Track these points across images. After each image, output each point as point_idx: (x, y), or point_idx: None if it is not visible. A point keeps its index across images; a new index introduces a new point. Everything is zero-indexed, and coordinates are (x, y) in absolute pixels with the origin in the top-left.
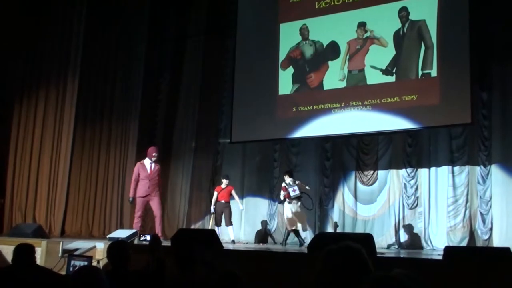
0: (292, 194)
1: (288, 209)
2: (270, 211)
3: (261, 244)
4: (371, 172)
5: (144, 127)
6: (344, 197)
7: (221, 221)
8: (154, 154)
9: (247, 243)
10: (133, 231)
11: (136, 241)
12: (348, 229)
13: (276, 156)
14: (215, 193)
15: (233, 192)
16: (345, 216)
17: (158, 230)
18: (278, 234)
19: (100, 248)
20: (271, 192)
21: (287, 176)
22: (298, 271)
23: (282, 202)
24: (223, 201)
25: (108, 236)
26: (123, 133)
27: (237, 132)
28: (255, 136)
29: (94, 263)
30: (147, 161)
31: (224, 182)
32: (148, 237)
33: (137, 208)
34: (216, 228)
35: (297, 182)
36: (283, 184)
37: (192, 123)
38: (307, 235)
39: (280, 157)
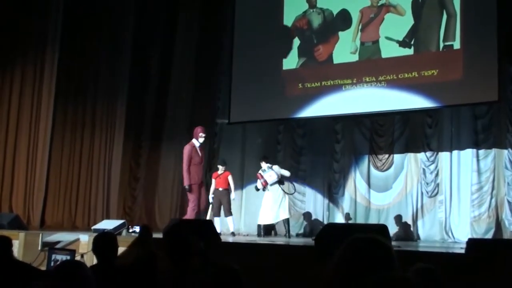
0: (269, 181)
1: (269, 199)
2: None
3: (263, 236)
4: (386, 156)
5: (133, 106)
6: (355, 184)
7: (219, 211)
8: (201, 134)
9: (247, 235)
10: (120, 221)
11: (124, 233)
12: (360, 220)
13: (280, 138)
14: (213, 181)
15: (229, 178)
16: (357, 205)
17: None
18: (282, 225)
19: (84, 240)
20: None
21: (263, 162)
22: (305, 266)
23: (262, 190)
24: (220, 189)
25: (93, 227)
26: (109, 113)
27: (236, 111)
28: (256, 115)
29: (78, 258)
30: (196, 143)
31: (221, 168)
32: (137, 229)
33: (193, 197)
34: (215, 219)
35: (273, 167)
36: (259, 172)
37: (186, 102)
38: (302, 225)
39: (285, 139)
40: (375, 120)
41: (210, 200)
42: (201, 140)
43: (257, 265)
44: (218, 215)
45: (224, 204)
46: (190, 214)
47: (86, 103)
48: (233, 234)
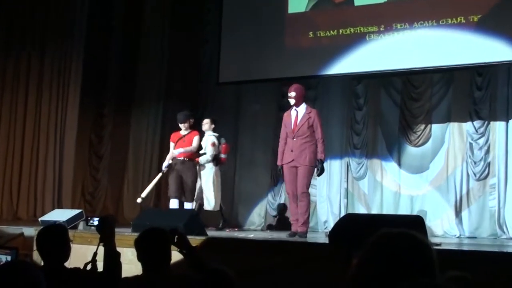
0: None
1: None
2: (274, 183)
3: (261, 230)
4: (422, 126)
5: (92, 61)
6: (382, 163)
7: (179, 191)
8: (292, 93)
9: (239, 229)
10: (77, 211)
11: (81, 226)
12: (387, 209)
13: (284, 104)
14: (171, 146)
15: (195, 139)
16: (383, 190)
17: (297, 224)
18: (285, 217)
19: (29, 235)
20: (275, 156)
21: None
22: (316, 268)
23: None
24: (182, 158)
25: (40, 219)
26: (60, 69)
27: (228, 68)
28: (253, 74)
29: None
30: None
31: (184, 126)
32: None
33: (286, 186)
34: (171, 202)
35: (221, 139)
36: (213, 140)
37: (162, 56)
38: (313, 216)
39: (290, 105)
40: (408, 80)
41: (163, 169)
42: (293, 101)
43: (255, 268)
44: (175, 196)
45: (186, 184)
46: (292, 210)
47: (30, 56)
48: (223, 226)
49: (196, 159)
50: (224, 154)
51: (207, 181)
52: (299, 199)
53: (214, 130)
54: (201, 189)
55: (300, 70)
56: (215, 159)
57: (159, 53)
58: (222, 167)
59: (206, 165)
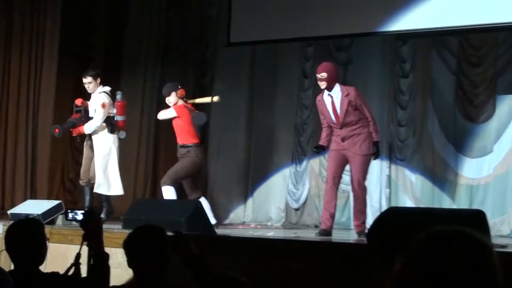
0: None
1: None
2: (296, 169)
3: (282, 227)
4: (484, 98)
5: (72, 15)
6: (434, 144)
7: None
8: (323, 74)
9: (257, 225)
10: (54, 203)
11: (60, 221)
12: (440, 202)
13: (308, 68)
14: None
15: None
16: (434, 177)
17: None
18: (310, 209)
19: None
20: (298, 134)
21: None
22: (350, 273)
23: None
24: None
25: (9, 211)
26: (33, 23)
27: (241, 24)
28: (271, 32)
29: None
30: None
31: (168, 100)
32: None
33: (328, 172)
34: (165, 189)
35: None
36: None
37: (158, 11)
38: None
39: (316, 69)
40: (466, 40)
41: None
42: (322, 83)
43: (276, 274)
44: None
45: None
46: (326, 206)
47: None
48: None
49: (78, 128)
50: (121, 115)
51: (103, 155)
52: (356, 195)
53: (104, 86)
54: (89, 166)
55: (328, 27)
56: (110, 124)
57: (155, 6)
58: (121, 133)
59: (99, 133)
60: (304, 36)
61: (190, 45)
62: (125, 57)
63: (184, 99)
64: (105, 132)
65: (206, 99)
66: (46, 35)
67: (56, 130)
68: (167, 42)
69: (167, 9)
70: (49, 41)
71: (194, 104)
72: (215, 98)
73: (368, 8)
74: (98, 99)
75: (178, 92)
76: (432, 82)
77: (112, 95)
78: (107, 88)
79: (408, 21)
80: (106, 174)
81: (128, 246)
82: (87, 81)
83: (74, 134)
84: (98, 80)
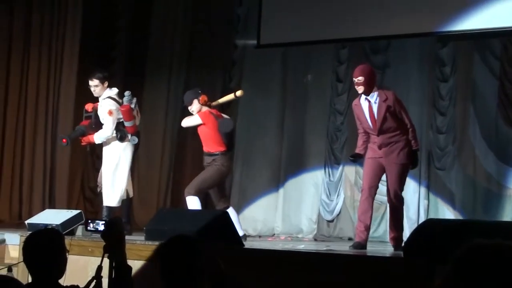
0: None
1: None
2: (329, 178)
3: (314, 240)
4: None
5: (95, 14)
6: (475, 152)
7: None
8: (360, 77)
9: (288, 238)
10: (74, 212)
11: (80, 231)
12: (483, 214)
13: (342, 71)
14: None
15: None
16: (476, 187)
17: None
18: (344, 220)
19: (13, 243)
20: (331, 142)
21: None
22: None
23: None
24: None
25: (27, 221)
26: (53, 26)
27: (271, 25)
28: (303, 33)
29: (3, 272)
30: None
31: (191, 109)
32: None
33: (363, 181)
34: (190, 199)
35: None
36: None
37: (183, 10)
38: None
39: (351, 72)
40: (510, 42)
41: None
42: (361, 88)
43: None
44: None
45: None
46: (361, 217)
47: (12, 15)
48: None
49: (87, 137)
50: (128, 121)
51: (111, 165)
52: (392, 206)
53: (111, 89)
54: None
55: (365, 29)
56: (118, 131)
57: (180, 6)
58: (133, 139)
59: (109, 141)
60: (338, 37)
61: (217, 47)
62: (149, 59)
63: (208, 103)
64: (114, 140)
65: (229, 97)
66: (66, 37)
67: (64, 140)
68: (192, 44)
69: (192, 9)
70: (69, 43)
71: (218, 106)
72: (238, 93)
73: (406, 8)
74: (104, 106)
75: (200, 98)
76: (474, 87)
77: (121, 97)
78: (114, 91)
79: (448, 22)
80: (113, 185)
81: (164, 255)
82: (93, 83)
83: (83, 144)
84: (106, 84)
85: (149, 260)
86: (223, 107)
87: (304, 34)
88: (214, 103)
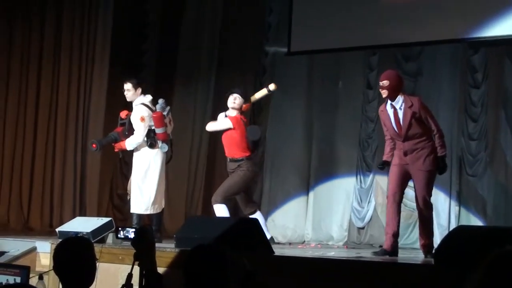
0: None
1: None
2: (361, 186)
3: (342, 246)
4: None
5: (125, 23)
6: (507, 159)
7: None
8: (384, 82)
9: (318, 245)
10: (105, 220)
11: (111, 239)
12: None
13: (372, 78)
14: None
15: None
16: (508, 194)
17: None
18: (375, 228)
19: (44, 251)
20: (363, 149)
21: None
22: None
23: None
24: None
25: (58, 229)
26: (83, 35)
27: (302, 32)
28: (334, 41)
29: (35, 280)
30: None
31: (161, 103)
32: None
33: (389, 187)
34: (217, 207)
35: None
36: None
37: (215, 18)
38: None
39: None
40: None
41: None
42: (385, 92)
43: None
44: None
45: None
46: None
47: (44, 20)
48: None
49: (120, 143)
50: (159, 127)
51: (141, 172)
52: (421, 213)
53: (145, 95)
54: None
55: (396, 35)
56: (148, 138)
57: (210, 13)
58: (163, 146)
59: (139, 148)
60: (368, 44)
61: (248, 53)
62: (179, 66)
63: (242, 110)
64: (144, 147)
65: (263, 92)
66: (97, 44)
67: (93, 145)
68: (223, 50)
69: (223, 15)
70: (100, 50)
71: (253, 102)
72: (271, 87)
73: (438, 15)
74: (136, 112)
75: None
76: (506, 93)
77: (155, 104)
78: (148, 98)
79: (480, 27)
80: (142, 192)
81: (186, 264)
82: (127, 87)
83: (116, 150)
84: (139, 90)
85: (179, 268)
86: (254, 114)
87: (334, 41)
88: (251, 98)
